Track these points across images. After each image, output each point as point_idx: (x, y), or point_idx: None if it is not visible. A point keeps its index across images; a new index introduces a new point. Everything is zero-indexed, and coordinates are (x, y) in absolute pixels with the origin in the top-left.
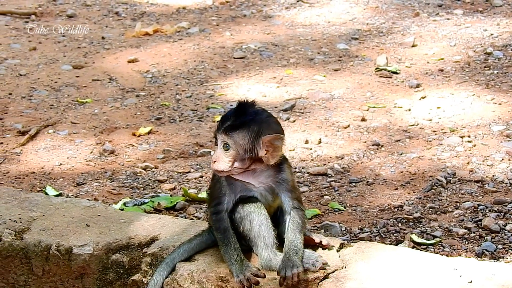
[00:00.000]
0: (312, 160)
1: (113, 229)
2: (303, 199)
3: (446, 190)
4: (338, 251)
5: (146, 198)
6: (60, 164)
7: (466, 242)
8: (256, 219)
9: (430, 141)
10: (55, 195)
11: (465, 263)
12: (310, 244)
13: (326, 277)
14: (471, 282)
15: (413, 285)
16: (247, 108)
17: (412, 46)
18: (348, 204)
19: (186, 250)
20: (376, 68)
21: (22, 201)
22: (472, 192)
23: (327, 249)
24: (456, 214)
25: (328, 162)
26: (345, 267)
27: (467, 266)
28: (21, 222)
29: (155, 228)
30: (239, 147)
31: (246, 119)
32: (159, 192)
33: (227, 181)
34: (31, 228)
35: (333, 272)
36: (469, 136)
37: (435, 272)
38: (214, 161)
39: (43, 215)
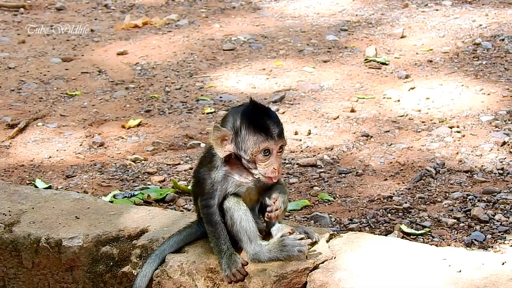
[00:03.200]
0: (301, 151)
1: (102, 221)
2: (293, 190)
3: (435, 181)
4: (327, 241)
5: (135, 190)
6: (50, 157)
7: (455, 232)
8: (235, 215)
9: (419, 131)
10: (44, 188)
11: (454, 252)
12: None
13: (316, 267)
14: (460, 271)
15: (403, 275)
16: (268, 110)
17: (401, 37)
18: (337, 195)
19: (176, 242)
20: (365, 59)
21: (11, 194)
22: (461, 182)
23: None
24: (445, 204)
25: (318, 153)
26: (335, 258)
27: (456, 255)
28: (10, 215)
29: (144, 220)
30: None
31: (280, 121)
32: (149, 184)
33: (223, 176)
34: (20, 221)
35: (322, 262)
36: (458, 127)
37: (425, 261)
38: (275, 170)
39: (33, 208)
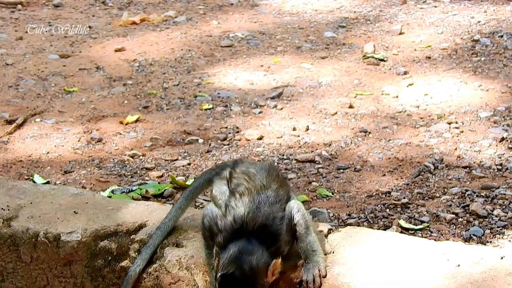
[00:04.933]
0: (300, 147)
1: (101, 216)
2: (291, 186)
3: (433, 176)
4: (326, 236)
5: (134, 186)
6: (48, 153)
7: (454, 227)
8: None
9: (417, 127)
10: (42, 183)
11: (452, 247)
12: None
13: None
14: (458, 266)
15: (402, 269)
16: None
17: (400, 34)
18: (336, 191)
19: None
20: (363, 56)
21: (9, 189)
22: (459, 178)
23: None
24: (443, 199)
25: (316, 149)
26: (333, 252)
27: (455, 250)
28: (8, 209)
29: (143, 215)
30: None
31: None
32: (147, 180)
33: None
34: (19, 215)
35: None
36: (456, 122)
37: (423, 256)
38: None
39: (31, 203)
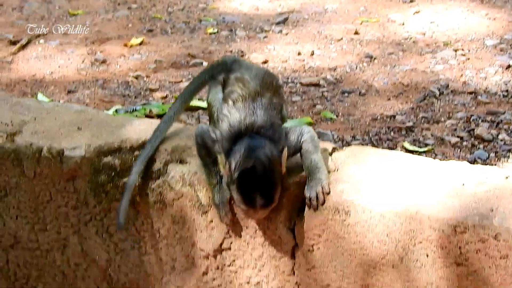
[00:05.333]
0: (304, 71)
1: (104, 133)
2: (295, 108)
3: (439, 101)
4: (330, 154)
5: (137, 106)
6: (51, 73)
7: (459, 150)
8: None
9: (423, 54)
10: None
11: (457, 167)
12: None
13: None
14: (463, 185)
15: (406, 187)
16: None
17: None
18: (340, 113)
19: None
20: None
21: (13, 104)
22: (465, 103)
23: None
24: (448, 124)
25: (321, 73)
26: (337, 170)
27: (460, 170)
28: (12, 125)
29: (146, 132)
30: None
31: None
32: (151, 100)
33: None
34: (22, 131)
35: None
36: (463, 50)
37: (428, 175)
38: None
39: (35, 119)
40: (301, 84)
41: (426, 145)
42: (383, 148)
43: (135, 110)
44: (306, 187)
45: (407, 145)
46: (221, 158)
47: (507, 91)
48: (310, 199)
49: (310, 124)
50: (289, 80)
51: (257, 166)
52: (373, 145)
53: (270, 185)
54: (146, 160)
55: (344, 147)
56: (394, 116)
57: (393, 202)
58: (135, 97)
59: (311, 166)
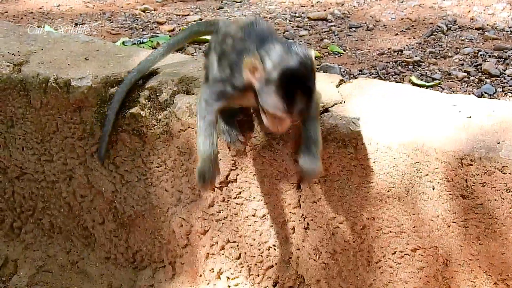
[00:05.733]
0: (312, 5)
1: (112, 63)
2: (303, 42)
3: (446, 36)
4: (337, 86)
5: (145, 38)
6: (59, 5)
7: (466, 85)
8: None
9: None
10: None
11: (464, 100)
12: None
13: (325, 110)
14: (470, 117)
15: (413, 120)
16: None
17: None
18: (347, 48)
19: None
20: None
21: (20, 35)
22: (472, 39)
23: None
24: (456, 59)
25: (329, 8)
26: (344, 102)
27: (467, 103)
28: (19, 55)
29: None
30: None
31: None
32: (158, 33)
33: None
34: (29, 61)
35: (332, 106)
36: None
37: (435, 108)
38: (278, 129)
39: (42, 49)
40: (309, 18)
41: (433, 79)
42: (390, 82)
43: (143, 42)
44: (300, 159)
45: (414, 79)
46: (248, 58)
47: None
48: (307, 172)
49: (316, 57)
50: (297, 15)
51: (302, 62)
52: (380, 79)
53: (312, 89)
54: (123, 96)
55: (351, 80)
56: (401, 51)
57: (400, 134)
58: (142, 30)
59: (310, 136)
